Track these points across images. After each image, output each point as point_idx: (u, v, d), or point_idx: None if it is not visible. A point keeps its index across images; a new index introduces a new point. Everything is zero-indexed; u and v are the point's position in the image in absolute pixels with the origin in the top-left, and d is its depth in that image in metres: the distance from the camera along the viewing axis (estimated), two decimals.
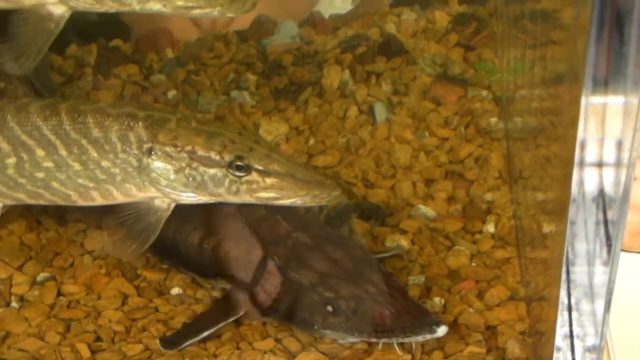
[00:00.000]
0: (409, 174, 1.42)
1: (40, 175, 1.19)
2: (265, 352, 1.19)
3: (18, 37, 1.24)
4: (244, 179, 1.15)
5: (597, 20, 0.87)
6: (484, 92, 1.51)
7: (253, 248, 1.23)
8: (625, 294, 1.27)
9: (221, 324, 1.22)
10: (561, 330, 1.00)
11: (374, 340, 1.14)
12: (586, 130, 0.91)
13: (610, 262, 0.96)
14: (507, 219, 1.33)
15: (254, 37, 1.66)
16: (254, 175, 1.15)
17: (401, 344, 1.15)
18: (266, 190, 1.16)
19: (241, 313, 1.22)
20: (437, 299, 1.22)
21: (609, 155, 1.17)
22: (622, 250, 1.31)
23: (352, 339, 1.17)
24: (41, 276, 1.30)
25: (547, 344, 1.09)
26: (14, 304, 1.27)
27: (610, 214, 1.11)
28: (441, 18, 1.61)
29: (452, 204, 1.37)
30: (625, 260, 1.30)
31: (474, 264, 1.28)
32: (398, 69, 1.56)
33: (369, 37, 1.60)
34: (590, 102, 0.93)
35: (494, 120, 1.46)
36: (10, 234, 1.35)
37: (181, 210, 1.23)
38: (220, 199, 1.18)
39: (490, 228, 1.33)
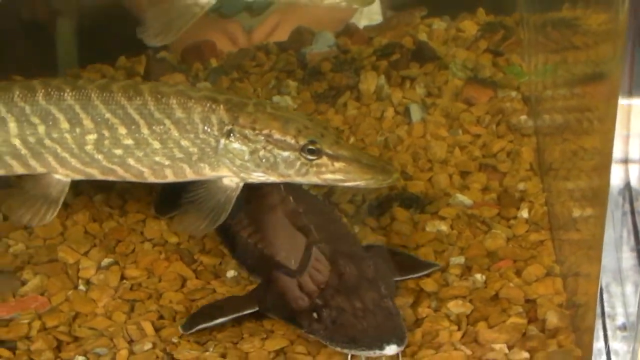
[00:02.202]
0: (445, 167, 1.51)
1: (119, 152, 1.27)
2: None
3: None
4: (314, 162, 1.24)
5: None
6: (513, 93, 1.61)
7: (279, 250, 1.30)
8: None
9: (237, 314, 1.27)
10: (606, 309, 1.07)
11: (339, 349, 1.19)
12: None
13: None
14: (539, 205, 1.42)
15: (293, 47, 1.77)
16: (324, 159, 1.24)
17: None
18: (333, 173, 1.25)
19: (255, 309, 1.28)
20: (478, 276, 1.31)
21: (634, 152, 1.26)
22: None
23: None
24: (105, 261, 1.39)
25: (586, 315, 1.17)
26: (82, 287, 1.36)
27: (637, 206, 1.19)
28: (470, 27, 1.72)
29: (487, 194, 1.46)
30: None
31: (510, 245, 1.37)
32: (431, 74, 1.67)
33: (402, 45, 1.72)
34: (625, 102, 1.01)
35: (523, 117, 1.56)
36: (75, 224, 1.44)
37: (247, 206, 1.32)
38: (288, 180, 1.27)
39: (524, 214, 1.42)
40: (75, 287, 1.36)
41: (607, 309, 1.09)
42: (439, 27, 1.73)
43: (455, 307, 1.26)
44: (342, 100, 1.65)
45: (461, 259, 1.35)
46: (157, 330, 1.29)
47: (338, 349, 1.19)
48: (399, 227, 1.42)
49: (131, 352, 1.25)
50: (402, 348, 1.17)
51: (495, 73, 1.64)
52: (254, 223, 1.35)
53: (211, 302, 1.31)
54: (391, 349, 1.16)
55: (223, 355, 1.24)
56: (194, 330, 1.26)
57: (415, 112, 1.61)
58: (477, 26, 1.72)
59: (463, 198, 1.45)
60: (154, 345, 1.26)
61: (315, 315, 1.22)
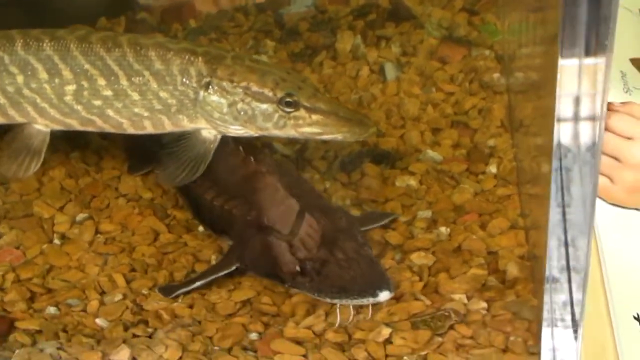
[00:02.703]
0: (417, 124, 1.53)
1: (98, 103, 1.28)
2: None
3: None
4: (292, 114, 1.26)
5: None
6: (487, 52, 1.62)
7: (249, 209, 1.31)
8: (620, 247, 1.36)
9: (215, 275, 1.29)
10: (558, 263, 1.09)
11: (328, 300, 1.21)
12: (580, 87, 1.01)
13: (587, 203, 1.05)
14: (508, 161, 1.44)
15: (271, 7, 1.78)
16: (302, 112, 1.26)
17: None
18: (311, 126, 1.27)
19: (232, 268, 1.30)
20: (442, 229, 1.33)
21: (565, 111, 1.26)
22: (618, 206, 1.42)
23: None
24: (80, 216, 1.42)
25: (541, 265, 1.19)
26: (56, 241, 1.39)
27: (565, 162, 1.20)
28: None
29: (457, 150, 1.48)
30: (621, 215, 1.40)
31: (477, 199, 1.39)
32: (406, 33, 1.68)
33: (379, 5, 1.73)
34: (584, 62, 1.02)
35: (496, 75, 1.58)
36: (51, 180, 1.47)
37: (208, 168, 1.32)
38: (266, 133, 1.28)
39: (492, 169, 1.44)
40: (50, 241, 1.39)
41: (572, 263, 1.11)
42: None
43: (418, 258, 1.28)
44: (318, 59, 1.67)
45: (428, 213, 1.38)
46: (128, 282, 1.33)
47: (327, 299, 1.21)
48: (369, 182, 1.44)
49: (102, 303, 1.29)
50: (393, 294, 1.18)
51: (470, 32, 1.65)
52: (217, 185, 1.36)
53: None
54: (384, 295, 1.17)
55: (190, 306, 1.28)
56: (173, 295, 1.28)
57: (390, 71, 1.62)
58: None
59: (433, 154, 1.47)
60: (124, 297, 1.30)
61: (298, 268, 1.23)
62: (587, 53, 0.98)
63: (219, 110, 1.26)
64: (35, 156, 1.32)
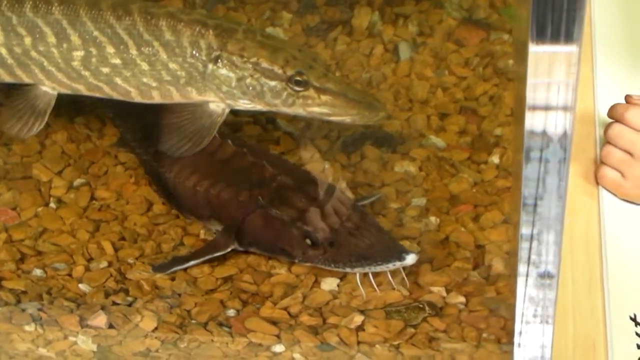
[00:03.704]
0: (424, 107, 1.52)
1: (106, 70, 1.29)
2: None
3: None
4: (301, 93, 1.26)
5: None
6: (506, 36, 1.59)
7: (239, 190, 1.31)
8: (625, 244, 1.33)
9: (207, 257, 1.31)
10: (524, 257, 1.08)
11: (348, 270, 1.22)
12: (551, 75, 0.99)
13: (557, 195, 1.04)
14: (511, 152, 1.42)
15: None
16: (311, 91, 1.26)
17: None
18: (320, 106, 1.27)
19: (228, 249, 1.31)
20: (432, 218, 1.33)
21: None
22: (629, 201, 1.39)
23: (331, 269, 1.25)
24: (77, 182, 1.46)
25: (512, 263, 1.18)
26: (52, 205, 1.43)
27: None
28: None
29: (462, 137, 1.47)
30: (630, 211, 1.37)
31: (474, 190, 1.38)
32: (425, 12, 1.66)
33: None
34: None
35: (511, 61, 1.55)
36: (53, 143, 1.51)
37: (181, 157, 1.34)
38: (274, 109, 1.29)
39: (495, 159, 1.42)
40: (46, 204, 1.44)
41: (533, 257, 1.10)
42: None
43: None
44: (333, 34, 1.66)
45: (422, 201, 1.37)
46: (116, 250, 1.36)
47: (347, 269, 1.22)
48: (368, 165, 1.44)
49: (87, 269, 1.33)
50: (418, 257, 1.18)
51: (491, 14, 1.63)
52: (198, 171, 1.36)
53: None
54: (411, 258, 1.18)
55: (172, 279, 1.31)
56: (167, 272, 1.31)
57: (404, 51, 1.61)
58: None
59: (436, 140, 1.46)
60: (110, 264, 1.33)
61: (308, 241, 1.24)
62: (559, 40, 0.96)
63: (227, 84, 1.27)
64: (40, 117, 1.35)
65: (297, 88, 1.26)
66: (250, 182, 1.32)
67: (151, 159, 1.41)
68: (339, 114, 1.28)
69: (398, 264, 1.18)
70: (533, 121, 0.95)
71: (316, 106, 1.28)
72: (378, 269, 1.20)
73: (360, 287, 1.22)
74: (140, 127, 1.45)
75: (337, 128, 1.50)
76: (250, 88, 1.27)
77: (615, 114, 1.39)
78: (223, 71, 1.27)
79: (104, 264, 1.33)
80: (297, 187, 1.29)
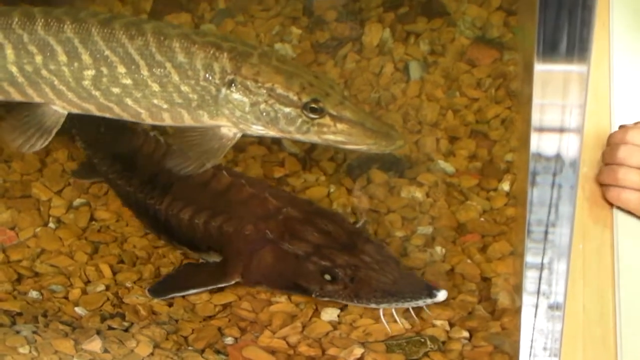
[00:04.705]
0: (434, 130, 1.51)
1: (116, 90, 1.28)
2: None
3: None
4: (316, 121, 1.24)
5: None
6: (519, 57, 1.58)
7: (244, 222, 1.30)
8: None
9: (210, 287, 1.30)
10: (531, 288, 1.07)
11: (373, 306, 1.21)
12: (555, 95, 0.98)
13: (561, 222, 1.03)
14: (522, 179, 1.41)
15: None
16: (327, 119, 1.24)
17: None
18: (335, 134, 1.25)
19: (232, 282, 1.30)
20: (438, 248, 1.32)
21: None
22: None
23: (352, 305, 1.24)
24: (77, 201, 1.46)
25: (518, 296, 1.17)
26: (51, 225, 1.44)
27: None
28: None
29: (472, 162, 1.46)
30: None
31: (482, 219, 1.37)
32: (438, 30, 1.65)
33: None
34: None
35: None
36: (53, 161, 1.52)
37: (171, 188, 1.35)
38: (288, 136, 1.27)
39: (505, 187, 1.41)
40: (45, 224, 1.44)
41: (543, 287, 1.09)
42: None
43: None
44: (343, 52, 1.65)
45: (429, 229, 1.36)
46: (114, 273, 1.36)
47: (372, 305, 1.21)
48: (374, 190, 1.43)
49: (84, 292, 1.33)
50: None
51: (505, 33, 1.61)
52: (192, 203, 1.35)
53: (180, 269, 1.35)
54: (442, 294, 1.18)
55: (170, 304, 1.31)
56: (164, 297, 1.30)
57: (415, 70, 1.60)
58: None
59: (445, 165, 1.45)
60: (107, 288, 1.34)
61: (327, 277, 1.23)
62: (566, 60, 0.95)
63: (240, 109, 1.26)
64: (45, 134, 1.35)
65: (312, 115, 1.25)
66: (254, 215, 1.30)
67: (136, 191, 1.40)
68: (355, 142, 1.26)
69: (429, 301, 1.18)
70: (539, 143, 0.94)
71: (331, 134, 1.26)
72: (406, 304, 1.19)
73: (384, 320, 1.21)
74: (120, 156, 1.44)
75: (343, 150, 1.50)
76: (264, 114, 1.26)
77: (615, 139, 1.37)
78: (237, 96, 1.26)
79: (101, 287, 1.33)
80: (306, 220, 1.28)
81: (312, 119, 1.25)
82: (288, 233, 1.27)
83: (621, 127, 1.39)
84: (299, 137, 1.28)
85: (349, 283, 1.22)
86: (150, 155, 1.42)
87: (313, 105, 1.24)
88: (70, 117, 1.34)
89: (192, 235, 1.34)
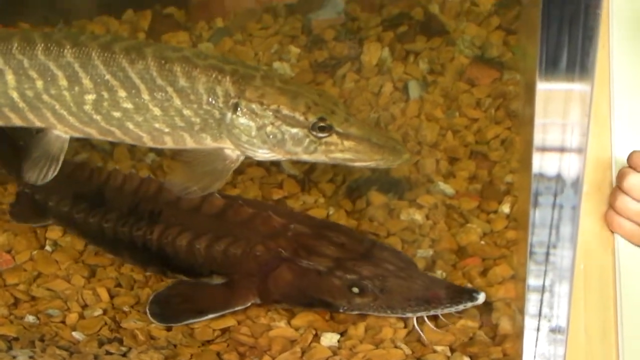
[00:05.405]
0: (434, 151, 1.51)
1: (117, 114, 1.28)
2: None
3: None
4: (323, 140, 1.24)
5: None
6: (519, 76, 1.59)
7: (252, 243, 1.29)
8: None
9: (226, 311, 1.29)
10: (532, 310, 1.07)
11: (409, 315, 1.21)
12: (561, 115, 0.98)
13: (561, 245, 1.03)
14: (523, 201, 1.41)
15: (301, 10, 1.78)
16: (334, 138, 1.24)
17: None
18: (343, 152, 1.25)
19: (248, 304, 1.29)
20: (439, 272, 1.32)
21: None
22: None
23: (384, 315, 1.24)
24: None
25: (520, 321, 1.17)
26: (48, 248, 1.44)
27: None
28: (486, 1, 1.70)
29: (472, 183, 1.46)
30: None
31: (483, 242, 1.37)
32: (437, 49, 1.66)
33: (412, 17, 1.70)
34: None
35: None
36: None
37: (160, 216, 1.35)
38: (294, 157, 1.27)
39: (505, 209, 1.41)
40: (42, 247, 1.44)
41: (544, 310, 1.09)
42: None
43: None
44: (341, 71, 1.66)
45: (429, 252, 1.37)
46: (112, 297, 1.36)
47: (408, 314, 1.21)
48: (373, 212, 1.44)
49: (81, 316, 1.33)
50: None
51: (504, 53, 1.62)
52: (188, 228, 1.34)
53: (186, 292, 1.33)
54: (482, 297, 1.19)
55: (168, 329, 1.31)
56: (180, 324, 1.29)
57: (414, 90, 1.61)
58: (494, 0, 1.69)
59: (445, 187, 1.46)
60: (105, 312, 1.34)
61: (355, 290, 1.22)
62: (568, 78, 0.95)
63: (246, 133, 1.26)
64: (54, 162, 1.33)
65: (320, 135, 1.24)
66: (260, 234, 1.30)
67: (116, 225, 1.38)
68: (363, 159, 1.26)
69: (469, 305, 1.19)
70: (541, 163, 0.94)
71: (339, 152, 1.26)
72: (446, 310, 1.19)
73: (418, 328, 1.21)
74: (83, 195, 1.43)
75: (342, 172, 1.50)
76: (271, 136, 1.25)
77: (632, 162, 1.38)
78: (242, 120, 1.25)
79: (99, 311, 1.33)
80: (316, 234, 1.28)
81: (320, 138, 1.25)
82: (302, 249, 1.27)
83: (638, 152, 1.37)
84: (306, 157, 1.28)
85: (379, 294, 1.22)
86: (121, 188, 1.41)
87: (321, 124, 1.24)
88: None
89: (192, 261, 1.33)
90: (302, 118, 1.24)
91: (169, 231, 1.34)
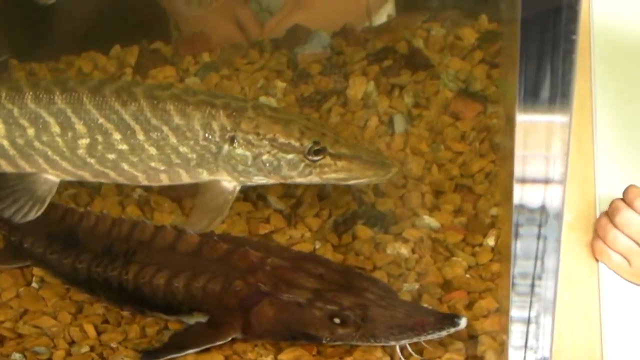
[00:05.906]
0: (419, 185, 1.53)
1: (112, 156, 1.31)
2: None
3: None
4: (318, 162, 1.30)
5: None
6: (502, 109, 1.61)
7: (230, 279, 1.30)
8: (630, 321, 1.34)
9: (207, 346, 1.30)
10: (516, 342, 1.09)
11: (393, 343, 1.22)
12: (540, 146, 1.01)
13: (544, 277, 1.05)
14: (507, 233, 1.43)
15: (287, 45, 1.81)
16: (327, 159, 1.30)
17: (383, 347, 1.26)
18: (337, 172, 1.31)
19: (229, 339, 1.30)
20: (425, 306, 1.33)
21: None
22: (634, 283, 1.39)
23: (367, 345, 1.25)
24: None
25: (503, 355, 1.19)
26: (34, 285, 1.45)
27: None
28: (469, 35, 1.73)
29: (457, 216, 1.48)
30: (634, 288, 1.38)
31: (468, 275, 1.39)
32: (422, 83, 1.68)
33: (396, 50, 1.73)
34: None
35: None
36: None
37: (134, 256, 1.36)
38: (288, 181, 1.32)
39: (490, 242, 1.43)
40: (28, 284, 1.45)
41: (530, 342, 1.11)
42: (437, 34, 1.74)
43: None
44: (327, 105, 1.68)
45: (414, 286, 1.38)
46: (99, 333, 1.37)
47: (391, 342, 1.22)
48: (360, 246, 1.45)
49: (68, 354, 1.34)
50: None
51: (488, 86, 1.65)
52: (164, 267, 1.34)
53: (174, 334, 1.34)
54: (463, 322, 1.20)
55: None
56: (160, 359, 1.29)
57: (399, 124, 1.63)
58: (477, 34, 1.72)
59: (430, 220, 1.47)
60: (92, 349, 1.34)
61: (337, 320, 1.24)
62: (548, 110, 0.97)
63: (243, 163, 1.30)
64: (38, 203, 1.34)
65: (315, 158, 1.30)
66: (238, 269, 1.31)
67: (90, 266, 1.39)
68: (356, 176, 1.32)
69: (452, 330, 1.20)
70: (522, 195, 0.96)
71: (333, 173, 1.31)
72: (429, 337, 1.21)
73: (401, 357, 1.23)
74: (56, 236, 1.44)
75: (328, 206, 1.52)
76: (267, 164, 1.30)
77: (627, 197, 1.39)
78: (239, 151, 1.29)
79: (86, 348, 1.34)
80: (294, 266, 1.30)
81: (315, 161, 1.30)
82: (282, 282, 1.28)
83: (633, 187, 1.39)
84: (300, 180, 1.33)
85: (362, 323, 1.23)
86: (94, 229, 1.42)
87: (316, 148, 1.30)
88: None
89: (170, 299, 1.34)
90: (297, 144, 1.30)
91: (145, 270, 1.35)
